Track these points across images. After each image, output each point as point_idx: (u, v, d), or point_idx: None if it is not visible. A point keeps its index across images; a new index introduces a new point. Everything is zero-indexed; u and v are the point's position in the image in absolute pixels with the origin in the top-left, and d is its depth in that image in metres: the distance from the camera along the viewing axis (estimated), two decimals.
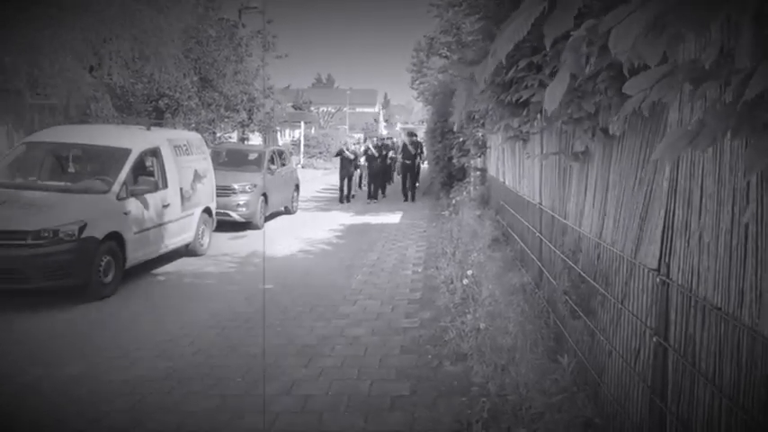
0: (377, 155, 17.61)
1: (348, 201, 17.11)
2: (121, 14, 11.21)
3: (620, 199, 3.13)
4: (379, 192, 18.31)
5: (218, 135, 19.19)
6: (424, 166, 22.68)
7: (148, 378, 4.68)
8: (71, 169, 8.51)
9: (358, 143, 19.49)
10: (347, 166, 17.22)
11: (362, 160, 18.17)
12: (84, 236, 6.72)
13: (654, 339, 2.52)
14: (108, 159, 8.00)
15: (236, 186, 11.93)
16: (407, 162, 17.89)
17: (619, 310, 3.02)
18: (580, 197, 3.91)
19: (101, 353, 5.25)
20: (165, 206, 8.40)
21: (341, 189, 17.25)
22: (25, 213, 6.71)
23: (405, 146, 18.40)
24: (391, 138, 26.60)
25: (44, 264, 6.44)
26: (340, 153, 17.35)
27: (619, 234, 3.11)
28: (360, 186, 19.46)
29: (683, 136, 1.18)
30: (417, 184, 19.13)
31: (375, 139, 19.74)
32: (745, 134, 1.14)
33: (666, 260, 2.47)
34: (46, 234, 6.53)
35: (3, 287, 6.44)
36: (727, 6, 1.04)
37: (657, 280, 2.51)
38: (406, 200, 17.35)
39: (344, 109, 54.89)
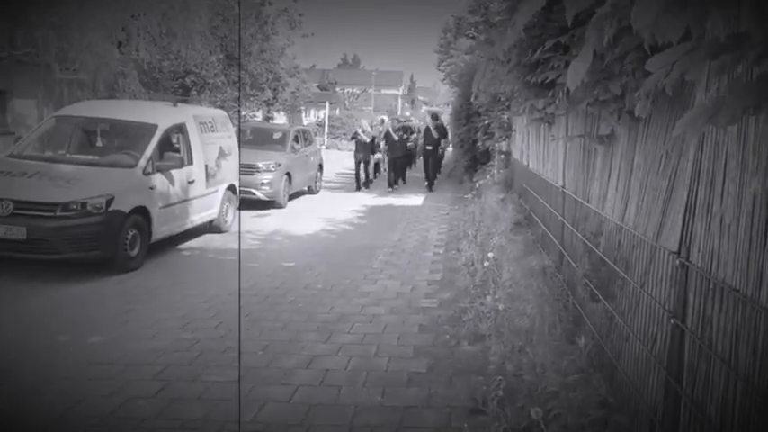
0: (396, 138, 16.31)
1: (367, 187, 15.87)
2: None
3: (644, 182, 3.11)
4: (400, 179, 17.13)
5: (243, 114, 19.30)
6: (449, 150, 21.01)
7: (172, 349, 4.80)
8: (99, 144, 8.67)
9: (379, 124, 18.05)
10: (363, 149, 15.82)
11: (382, 144, 16.97)
12: (111, 209, 6.86)
13: (671, 322, 2.51)
14: (135, 135, 8.13)
15: (260, 165, 12.03)
16: (429, 147, 16.35)
17: (638, 294, 3.01)
18: (604, 180, 3.88)
19: (126, 324, 5.40)
20: (190, 182, 8.52)
21: (356, 175, 15.89)
22: (55, 186, 6.87)
23: (427, 129, 16.74)
24: (411, 119, 24.54)
25: (72, 235, 6.60)
26: (355, 136, 16.04)
27: (641, 218, 3.09)
28: (377, 173, 18.06)
29: (703, 112, 1.18)
30: (438, 174, 17.91)
31: (395, 120, 18.23)
32: (765, 112, 1.13)
33: (687, 243, 2.46)
34: (74, 206, 6.68)
35: (33, 257, 6.63)
36: None
37: (677, 263, 2.50)
38: (429, 189, 15.93)
39: (369, 90, 54.70)
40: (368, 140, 15.65)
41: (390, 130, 16.48)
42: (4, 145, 12.68)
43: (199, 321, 5.51)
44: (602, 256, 3.66)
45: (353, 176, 16.37)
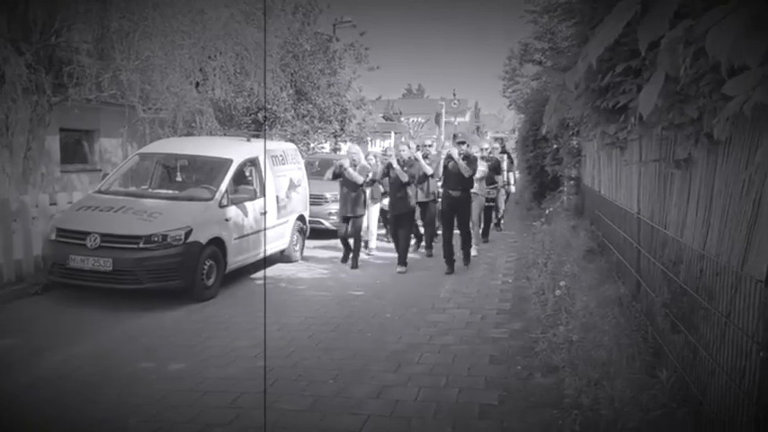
0: (404, 180, 9.24)
1: (353, 264, 9.44)
2: (225, 32, 11.90)
3: (725, 208, 2.97)
4: (415, 243, 10.64)
5: (312, 145, 19.80)
6: (510, 189, 14.84)
7: (246, 377, 4.92)
8: (179, 178, 9.13)
9: (382, 154, 12.13)
10: (352, 195, 9.44)
11: (381, 187, 10.56)
12: (189, 241, 7.17)
13: (761, 355, 2.37)
14: (212, 169, 8.51)
15: (328, 195, 12.27)
16: (454, 193, 9.11)
17: (723, 325, 2.86)
18: (682, 206, 3.74)
19: (204, 351, 5.58)
20: (263, 213, 8.79)
21: (343, 240, 9.72)
22: (138, 219, 7.25)
23: (449, 165, 9.16)
24: (430, 145, 15.32)
25: (154, 266, 6.93)
26: (340, 174, 9.43)
27: (724, 244, 2.95)
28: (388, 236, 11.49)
29: None
30: (477, 244, 10.51)
31: (407, 148, 9.78)
32: None
33: None
34: (156, 239, 7.03)
35: (118, 287, 6.99)
36: None
37: (766, 291, 2.37)
38: (449, 271, 9.05)
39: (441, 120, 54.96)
40: (360, 181, 9.37)
41: (395, 162, 9.31)
42: (93, 181, 13.53)
43: (271, 350, 5.62)
44: (683, 284, 3.51)
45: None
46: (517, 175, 18.51)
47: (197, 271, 7.23)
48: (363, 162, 9.80)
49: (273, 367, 5.14)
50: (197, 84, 12.30)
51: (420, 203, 10.03)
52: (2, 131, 9.73)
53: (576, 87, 3.97)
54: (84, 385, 4.75)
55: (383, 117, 43.61)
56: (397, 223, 9.52)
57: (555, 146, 11.25)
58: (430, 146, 13.94)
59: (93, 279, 6.93)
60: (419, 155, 9.86)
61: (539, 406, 4.30)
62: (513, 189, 15.30)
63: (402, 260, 9.28)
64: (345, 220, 9.61)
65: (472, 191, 9.61)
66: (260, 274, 8.95)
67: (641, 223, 4.85)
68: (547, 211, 11.95)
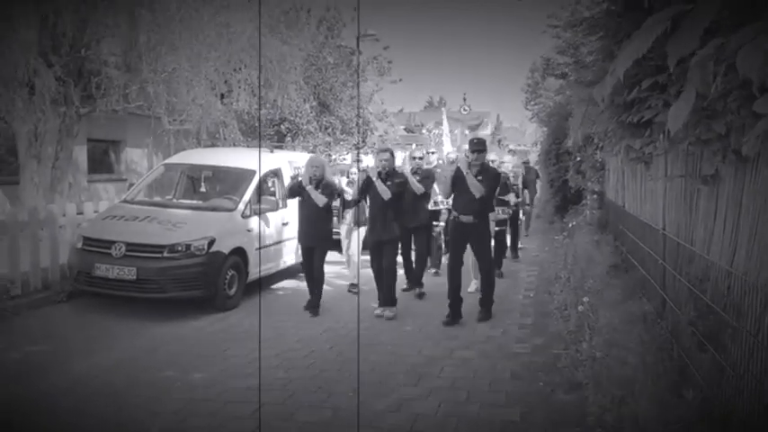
0: (386, 196, 7.08)
1: (315, 312, 7.33)
2: (249, 45, 12.08)
3: (753, 225, 2.93)
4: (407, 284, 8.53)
5: (334, 157, 19.93)
6: (527, 209, 13.26)
7: (267, 387, 4.93)
8: (202, 189, 9.24)
9: (353, 168, 9.78)
10: (314, 220, 7.43)
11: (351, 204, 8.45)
12: (212, 250, 7.24)
13: None
14: (235, 180, 8.61)
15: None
16: (464, 219, 6.87)
17: (752, 344, 2.81)
18: (709, 223, 3.69)
19: (225, 361, 5.62)
20: (284, 224, 8.85)
21: (307, 274, 7.61)
22: (162, 229, 7.35)
23: (458, 175, 6.88)
24: (433, 152, 11.38)
25: (177, 275, 7.01)
26: (296, 191, 7.54)
27: (753, 261, 2.90)
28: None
29: None
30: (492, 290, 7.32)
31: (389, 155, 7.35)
32: None
33: None
34: (179, 248, 7.11)
35: (141, 296, 7.07)
36: None
37: None
38: (449, 321, 6.90)
39: (456, 131, 54.90)
40: (321, 203, 7.31)
41: (374, 177, 7.15)
42: (118, 191, 13.77)
43: (292, 360, 5.65)
44: (710, 302, 3.45)
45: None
46: (538, 191, 17.63)
47: (219, 280, 7.30)
48: (329, 178, 7.62)
49: (293, 378, 5.16)
50: (221, 96, 12.49)
51: (411, 229, 8.32)
52: (31, 142, 9.97)
53: (602, 101, 3.96)
54: (105, 393, 4.80)
55: (404, 129, 43.69)
56: (378, 252, 7.31)
57: (578, 158, 11.15)
58: (433, 153, 11.08)
59: (117, 288, 7.03)
60: (407, 169, 8.05)
61: (561, 423, 4.24)
62: (530, 209, 13.35)
63: (387, 299, 7.21)
64: (307, 253, 7.57)
65: None
66: (282, 284, 9.00)
67: (667, 239, 4.78)
68: (570, 225, 11.85)
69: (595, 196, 10.88)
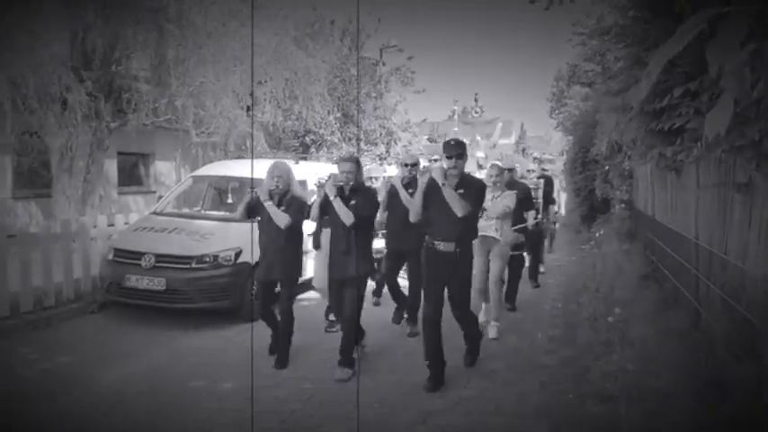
0: (350, 221, 5.28)
1: (280, 363, 5.73)
2: (275, 58, 12.23)
3: None
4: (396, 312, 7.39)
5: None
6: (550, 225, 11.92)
7: (294, 398, 4.94)
8: (229, 200, 9.33)
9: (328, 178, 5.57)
10: (276, 246, 5.76)
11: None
12: (239, 261, 7.30)
13: None
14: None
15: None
16: (439, 247, 5.11)
17: None
18: (743, 231, 3.61)
19: (253, 371, 5.62)
20: (309, 235, 8.86)
21: (263, 313, 6.03)
22: (190, 240, 7.44)
23: (431, 188, 5.00)
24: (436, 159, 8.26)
25: (205, 286, 7.08)
26: (253, 209, 5.97)
27: None
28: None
29: None
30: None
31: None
32: None
33: None
34: (207, 259, 7.19)
35: (170, 306, 7.15)
36: None
37: None
38: (430, 386, 5.13)
39: (478, 138, 54.67)
40: (284, 223, 5.69)
41: (332, 195, 5.26)
42: (148, 203, 14.00)
43: (316, 372, 5.64)
44: (745, 313, 3.36)
45: None
46: (562, 202, 16.52)
47: (246, 291, 7.35)
48: (296, 191, 5.92)
49: (319, 389, 5.15)
50: (248, 108, 12.65)
51: (403, 253, 6.89)
52: (63, 156, 10.19)
53: (626, 105, 3.91)
54: (134, 403, 4.86)
55: (428, 139, 43.65)
56: (339, 295, 5.64)
57: (606, 166, 11.03)
58: (436, 160, 7.90)
59: (147, 298, 7.12)
60: (397, 181, 6.45)
61: None
62: (555, 228, 12.16)
63: (343, 357, 5.50)
64: (266, 288, 5.95)
65: (489, 235, 6.51)
66: (305, 295, 9.01)
67: (699, 249, 4.69)
68: (597, 234, 11.70)
69: (623, 205, 10.74)
